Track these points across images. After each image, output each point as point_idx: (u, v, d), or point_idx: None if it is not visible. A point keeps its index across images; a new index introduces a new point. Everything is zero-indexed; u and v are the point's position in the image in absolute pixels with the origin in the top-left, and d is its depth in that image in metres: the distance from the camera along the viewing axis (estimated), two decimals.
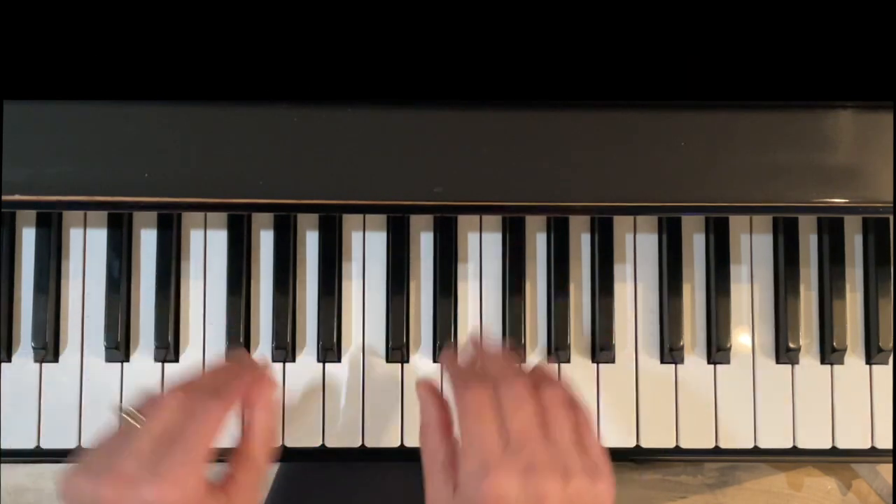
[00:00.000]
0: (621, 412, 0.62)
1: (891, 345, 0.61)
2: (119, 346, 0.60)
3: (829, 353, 0.62)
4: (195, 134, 0.51)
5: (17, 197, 0.51)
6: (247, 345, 0.61)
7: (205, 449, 0.46)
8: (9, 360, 0.61)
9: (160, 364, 0.61)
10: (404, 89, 0.50)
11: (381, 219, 0.62)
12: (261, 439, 0.52)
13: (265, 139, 0.52)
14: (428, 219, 0.62)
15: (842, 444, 0.62)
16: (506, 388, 0.48)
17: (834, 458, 0.63)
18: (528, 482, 0.45)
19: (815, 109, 0.52)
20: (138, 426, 0.47)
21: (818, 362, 0.63)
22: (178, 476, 0.44)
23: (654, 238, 0.63)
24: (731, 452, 0.62)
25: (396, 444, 0.61)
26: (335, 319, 0.61)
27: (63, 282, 0.61)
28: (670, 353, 0.61)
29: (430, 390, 0.53)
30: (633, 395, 0.62)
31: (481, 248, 0.62)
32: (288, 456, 0.62)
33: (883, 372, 0.62)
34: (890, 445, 0.62)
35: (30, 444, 0.60)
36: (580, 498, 0.45)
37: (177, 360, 0.62)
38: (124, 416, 0.48)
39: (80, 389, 0.61)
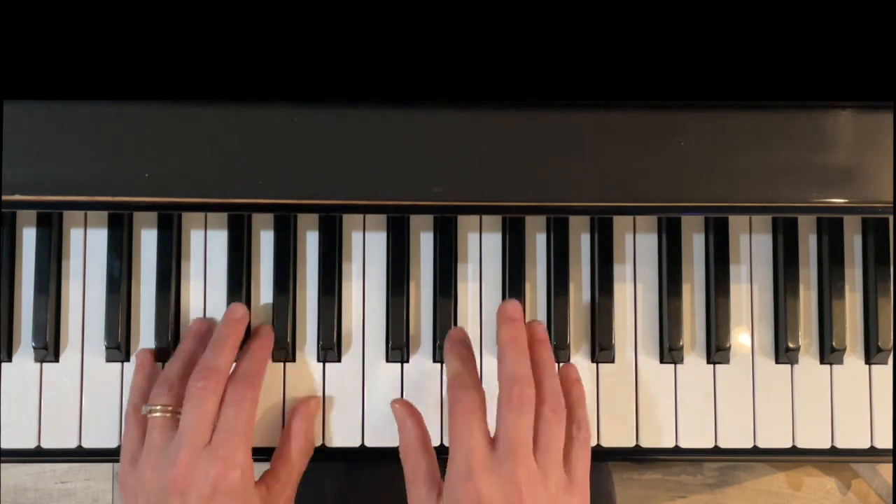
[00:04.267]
0: (621, 412, 0.62)
1: (890, 345, 0.61)
2: (119, 346, 0.60)
3: (829, 352, 0.62)
4: (195, 134, 0.51)
5: (17, 197, 0.51)
6: None
7: (251, 432, 0.54)
8: (9, 359, 0.61)
9: (161, 364, 0.61)
10: (404, 89, 0.50)
11: (381, 219, 0.62)
12: (298, 442, 0.58)
13: (265, 139, 0.52)
14: (428, 219, 0.62)
15: (841, 444, 0.62)
16: (513, 392, 0.51)
17: (833, 458, 0.63)
18: (506, 490, 0.48)
19: (815, 109, 0.52)
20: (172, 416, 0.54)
21: (817, 362, 0.63)
22: (235, 458, 0.52)
23: (654, 238, 0.63)
24: (730, 452, 0.62)
25: (396, 443, 0.61)
26: (335, 319, 0.61)
27: (63, 282, 0.61)
28: (670, 352, 0.61)
29: (405, 409, 0.57)
30: (632, 394, 0.62)
31: (481, 248, 0.62)
32: None
33: (882, 372, 0.62)
34: (890, 445, 0.62)
35: (30, 444, 0.60)
36: None
37: None
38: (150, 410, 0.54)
39: (81, 389, 0.61)
